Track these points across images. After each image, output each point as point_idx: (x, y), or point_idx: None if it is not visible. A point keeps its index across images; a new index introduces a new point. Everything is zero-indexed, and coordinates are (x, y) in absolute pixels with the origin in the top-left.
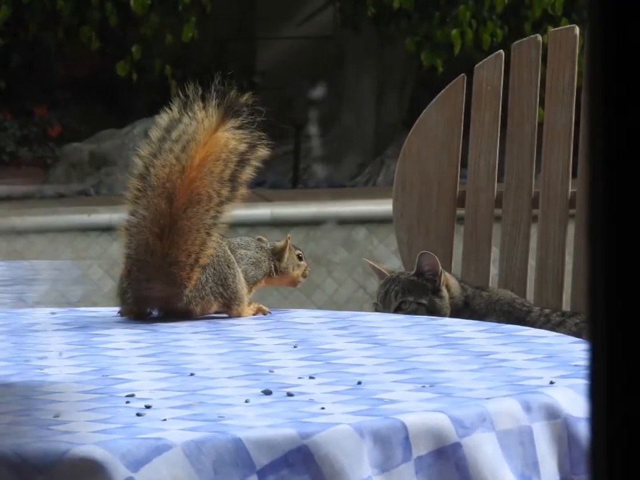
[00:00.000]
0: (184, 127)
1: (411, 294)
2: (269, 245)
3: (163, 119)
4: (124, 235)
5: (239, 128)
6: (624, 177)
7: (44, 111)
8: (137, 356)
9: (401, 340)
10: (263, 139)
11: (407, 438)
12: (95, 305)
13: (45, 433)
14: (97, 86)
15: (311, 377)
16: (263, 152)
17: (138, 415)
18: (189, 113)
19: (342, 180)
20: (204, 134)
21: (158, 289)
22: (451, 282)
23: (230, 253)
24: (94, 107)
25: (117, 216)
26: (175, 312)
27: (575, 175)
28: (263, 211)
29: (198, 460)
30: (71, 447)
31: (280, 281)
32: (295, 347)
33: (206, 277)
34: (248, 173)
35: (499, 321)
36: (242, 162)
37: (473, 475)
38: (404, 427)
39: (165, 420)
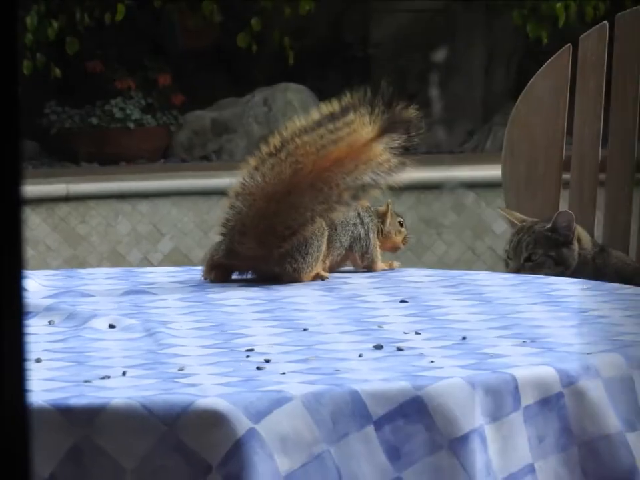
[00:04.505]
0: (343, 124)
1: (542, 247)
2: (372, 209)
3: (326, 107)
4: (232, 197)
5: (392, 146)
6: None
7: (167, 80)
8: (253, 312)
9: (506, 297)
10: (410, 163)
11: (516, 388)
12: None
13: (170, 385)
14: (218, 57)
15: (417, 333)
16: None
17: (258, 368)
18: (353, 113)
19: (451, 146)
20: (358, 138)
21: (248, 246)
22: (582, 235)
23: (323, 225)
24: (215, 76)
25: (236, 181)
26: (260, 274)
27: None
28: None
29: (317, 411)
30: (196, 399)
31: (383, 244)
32: (401, 302)
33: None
34: (377, 189)
35: (611, 280)
36: (377, 177)
37: (573, 423)
38: (513, 379)
39: (284, 373)
